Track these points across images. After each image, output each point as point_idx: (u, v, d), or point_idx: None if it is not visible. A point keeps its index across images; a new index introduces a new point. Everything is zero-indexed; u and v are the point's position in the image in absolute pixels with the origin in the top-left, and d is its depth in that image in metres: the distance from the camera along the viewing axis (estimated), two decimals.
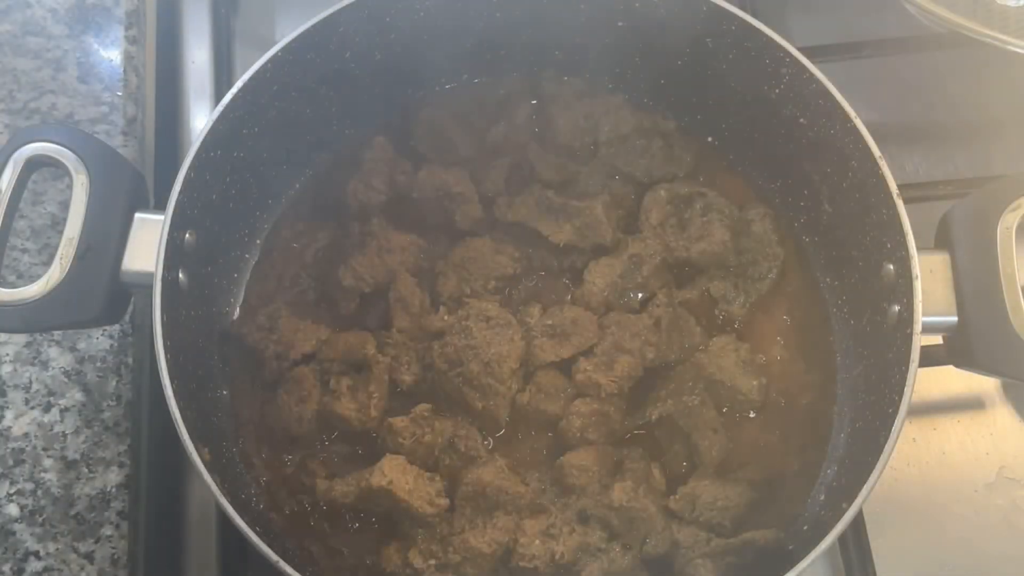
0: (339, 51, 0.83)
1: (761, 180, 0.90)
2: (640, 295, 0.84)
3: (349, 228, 0.87)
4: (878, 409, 0.72)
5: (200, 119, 1.00)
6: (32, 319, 0.65)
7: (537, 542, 0.73)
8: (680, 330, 0.82)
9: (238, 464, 0.79)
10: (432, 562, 0.73)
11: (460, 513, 0.75)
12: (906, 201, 0.73)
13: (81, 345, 0.82)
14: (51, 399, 0.80)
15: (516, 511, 0.75)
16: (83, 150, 0.69)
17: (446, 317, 0.80)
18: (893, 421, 0.67)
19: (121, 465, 0.79)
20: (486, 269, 0.83)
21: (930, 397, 0.88)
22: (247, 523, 0.65)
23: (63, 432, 0.79)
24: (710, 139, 0.92)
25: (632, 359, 0.80)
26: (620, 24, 0.86)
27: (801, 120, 0.81)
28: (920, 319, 0.70)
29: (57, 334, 0.82)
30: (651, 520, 0.75)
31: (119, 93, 0.93)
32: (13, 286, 0.70)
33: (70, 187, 0.69)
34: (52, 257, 0.68)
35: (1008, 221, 0.72)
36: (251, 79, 0.77)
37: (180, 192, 0.71)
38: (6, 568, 0.74)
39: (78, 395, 0.81)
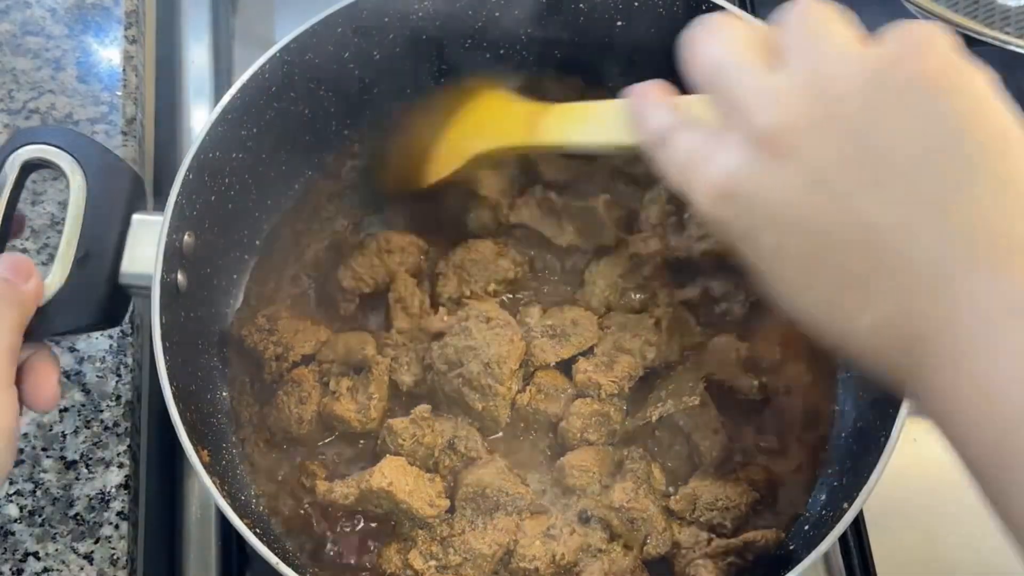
0: (338, 51, 0.82)
1: None
2: (641, 295, 0.84)
3: (349, 228, 0.87)
4: (879, 409, 0.72)
5: (199, 119, 1.00)
6: (32, 328, 0.64)
7: (538, 543, 0.73)
8: (680, 330, 0.82)
9: (238, 466, 0.79)
10: (432, 563, 0.73)
11: (460, 514, 0.75)
12: None
13: (81, 345, 0.82)
14: None
15: (517, 512, 0.75)
16: (79, 152, 0.68)
17: (445, 318, 0.80)
18: (894, 421, 0.67)
19: (121, 465, 0.79)
20: (487, 272, 0.83)
21: None
22: (247, 525, 0.65)
23: (62, 432, 0.79)
24: None
25: (632, 359, 0.79)
26: (619, 24, 0.86)
27: None
28: None
29: None
30: (652, 520, 0.75)
31: (118, 93, 0.93)
32: None
33: (67, 189, 0.69)
34: (52, 258, 0.67)
35: None
36: (250, 80, 0.77)
37: (179, 193, 0.71)
38: (5, 568, 0.74)
39: (77, 395, 0.81)
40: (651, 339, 0.81)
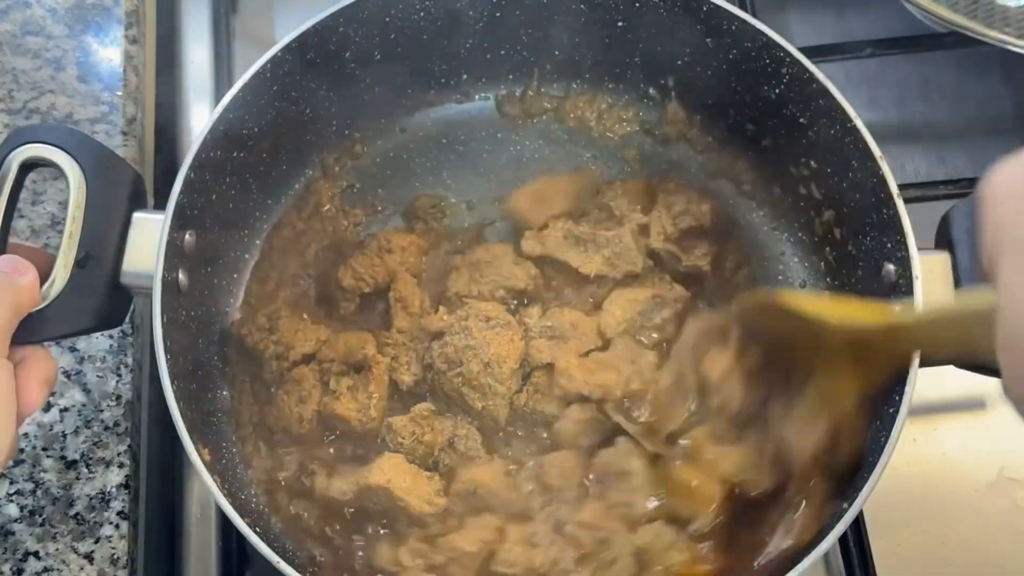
0: (339, 51, 0.83)
1: (761, 180, 0.90)
2: (655, 335, 0.82)
3: (349, 228, 0.87)
4: (879, 409, 0.72)
5: (200, 119, 1.00)
6: (35, 329, 0.64)
7: (518, 549, 0.73)
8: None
9: (238, 464, 0.79)
10: (420, 561, 0.73)
11: (451, 510, 0.75)
12: (906, 201, 0.73)
13: (81, 345, 0.82)
14: (51, 399, 0.80)
15: (505, 516, 0.74)
16: (77, 150, 0.68)
17: (445, 317, 0.80)
18: (894, 421, 0.67)
19: (121, 465, 0.79)
20: (499, 277, 0.83)
21: (930, 397, 0.87)
22: (248, 523, 0.65)
23: (63, 432, 0.79)
24: (710, 139, 0.92)
25: (617, 377, 0.78)
26: (620, 24, 0.86)
27: (801, 120, 0.81)
28: None
29: None
30: (620, 544, 0.73)
31: (119, 93, 0.93)
32: None
33: (67, 188, 0.69)
34: (52, 259, 0.67)
35: None
36: (250, 79, 0.77)
37: (180, 193, 0.71)
38: (6, 568, 0.74)
39: (78, 395, 0.81)
40: (646, 374, 0.79)
